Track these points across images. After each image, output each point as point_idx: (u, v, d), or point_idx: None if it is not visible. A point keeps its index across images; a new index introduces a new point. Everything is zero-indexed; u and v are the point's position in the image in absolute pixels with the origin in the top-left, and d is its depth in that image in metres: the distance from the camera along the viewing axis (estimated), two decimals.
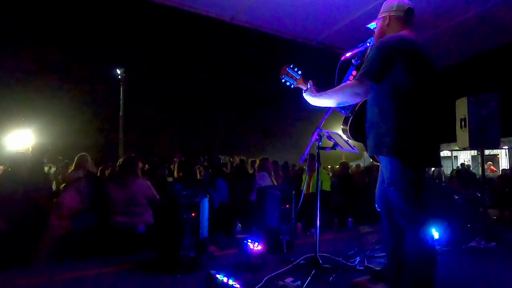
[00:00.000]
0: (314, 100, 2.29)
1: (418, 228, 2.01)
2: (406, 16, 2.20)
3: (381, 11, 2.29)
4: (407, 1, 2.23)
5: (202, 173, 5.12)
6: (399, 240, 2.17)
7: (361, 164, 11.90)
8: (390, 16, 2.22)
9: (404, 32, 2.15)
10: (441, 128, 2.18)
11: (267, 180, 5.37)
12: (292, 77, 2.35)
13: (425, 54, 2.11)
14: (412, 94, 2.03)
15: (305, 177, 5.73)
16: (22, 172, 3.71)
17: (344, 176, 6.60)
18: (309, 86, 2.34)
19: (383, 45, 2.08)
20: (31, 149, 4.70)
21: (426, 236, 2.01)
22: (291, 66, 2.36)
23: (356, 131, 2.43)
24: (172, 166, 4.71)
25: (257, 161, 6.26)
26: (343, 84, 2.18)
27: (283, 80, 2.36)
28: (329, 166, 13.71)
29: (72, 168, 4.49)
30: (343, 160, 7.45)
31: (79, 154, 4.62)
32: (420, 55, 2.08)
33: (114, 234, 3.37)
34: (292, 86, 2.37)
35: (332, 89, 2.18)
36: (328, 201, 5.67)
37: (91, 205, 3.75)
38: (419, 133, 2.01)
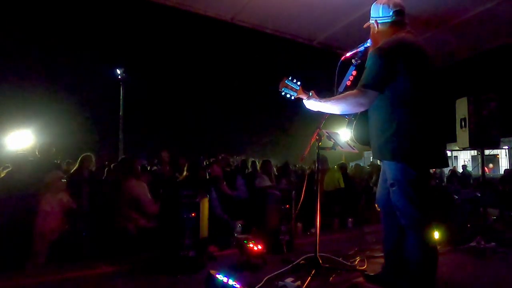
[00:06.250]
0: (317, 106, 2.29)
1: (420, 229, 2.00)
2: (395, 19, 2.13)
3: (370, 15, 2.25)
4: (393, 1, 2.15)
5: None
6: (399, 240, 2.17)
7: (361, 164, 11.87)
8: (377, 23, 2.18)
9: (400, 34, 2.09)
10: (444, 128, 2.18)
11: (266, 183, 5.38)
12: (292, 89, 2.35)
13: (424, 55, 2.08)
14: (414, 97, 2.01)
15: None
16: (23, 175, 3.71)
17: (344, 177, 6.60)
18: (310, 94, 2.34)
19: (381, 52, 2.04)
20: (54, 150, 4.68)
21: (428, 237, 2.01)
22: (290, 78, 2.36)
23: (360, 135, 2.42)
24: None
25: (258, 163, 6.29)
26: (346, 93, 2.15)
27: (283, 93, 2.36)
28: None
29: (76, 167, 4.49)
30: (342, 161, 7.47)
31: (84, 154, 4.61)
32: (419, 57, 2.06)
33: (108, 235, 3.35)
34: (293, 98, 2.37)
35: (336, 97, 2.18)
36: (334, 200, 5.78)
37: (91, 207, 3.75)
38: (423, 135, 2.00)
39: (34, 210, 3.35)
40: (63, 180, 3.69)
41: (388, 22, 2.14)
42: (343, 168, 6.89)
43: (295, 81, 2.34)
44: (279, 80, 2.36)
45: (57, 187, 3.57)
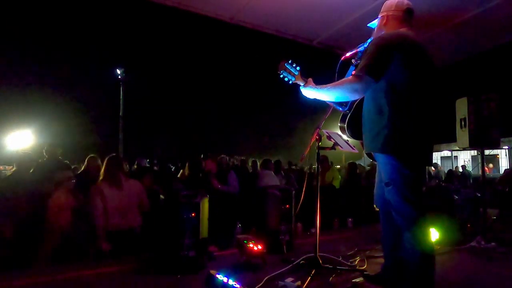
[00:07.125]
0: (313, 93, 2.29)
1: (416, 227, 2.01)
2: (405, 16, 2.20)
3: (381, 11, 2.31)
4: (407, 1, 2.23)
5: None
6: (397, 239, 2.17)
7: (361, 164, 11.86)
8: (388, 16, 2.24)
9: (403, 30, 2.16)
10: (436, 127, 2.19)
11: (272, 178, 5.34)
12: (290, 73, 2.34)
13: (423, 52, 2.11)
14: (409, 92, 2.03)
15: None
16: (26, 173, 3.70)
17: (352, 176, 6.58)
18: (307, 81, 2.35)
19: (381, 41, 2.08)
20: (61, 151, 4.69)
21: (424, 236, 2.01)
22: (290, 62, 2.35)
23: (354, 129, 2.43)
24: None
25: (258, 162, 6.28)
26: (343, 79, 2.18)
27: (281, 76, 2.35)
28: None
29: (82, 169, 4.49)
30: (351, 161, 7.41)
31: (89, 156, 4.59)
32: (418, 53, 2.08)
33: (111, 236, 3.33)
34: (290, 82, 2.36)
35: (332, 84, 2.18)
36: (335, 197, 5.79)
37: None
38: (414, 131, 2.02)
39: (41, 210, 3.35)
40: (72, 180, 3.69)
41: (398, 16, 2.21)
42: (351, 166, 6.82)
43: (294, 65, 2.34)
44: (278, 63, 2.35)
45: (66, 186, 3.58)
